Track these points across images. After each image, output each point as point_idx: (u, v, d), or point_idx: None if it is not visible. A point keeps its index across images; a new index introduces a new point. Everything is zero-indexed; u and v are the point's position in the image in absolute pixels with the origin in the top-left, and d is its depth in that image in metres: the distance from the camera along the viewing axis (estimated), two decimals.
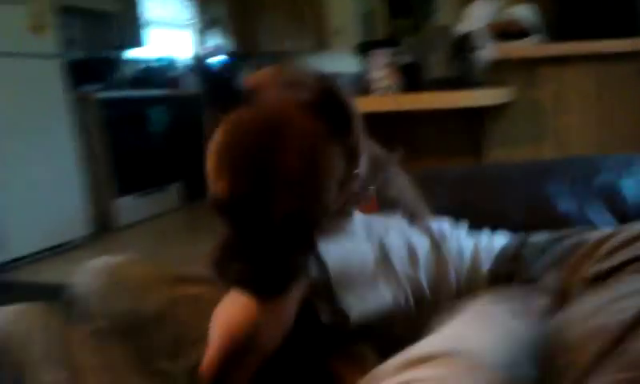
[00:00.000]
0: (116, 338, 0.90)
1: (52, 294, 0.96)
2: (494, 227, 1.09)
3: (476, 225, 1.15)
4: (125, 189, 4.76)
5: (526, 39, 2.42)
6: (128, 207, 4.78)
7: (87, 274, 0.97)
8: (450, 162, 2.59)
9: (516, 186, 1.28)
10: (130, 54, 5.81)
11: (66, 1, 4.51)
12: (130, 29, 5.51)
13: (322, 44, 7.47)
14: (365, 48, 2.88)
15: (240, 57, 7.39)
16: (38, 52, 3.93)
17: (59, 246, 4.03)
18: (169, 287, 0.95)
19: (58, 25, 4.13)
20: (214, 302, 0.81)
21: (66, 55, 4.26)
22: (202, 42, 7.13)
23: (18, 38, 3.80)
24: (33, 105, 3.92)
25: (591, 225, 1.17)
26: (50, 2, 4.03)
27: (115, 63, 5.49)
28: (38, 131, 3.95)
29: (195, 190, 5.52)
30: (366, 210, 0.88)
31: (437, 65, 2.26)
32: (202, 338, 0.80)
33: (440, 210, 1.30)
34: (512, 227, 1.10)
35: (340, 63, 7.01)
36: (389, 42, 2.84)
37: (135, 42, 5.63)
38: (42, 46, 3.97)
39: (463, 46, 2.22)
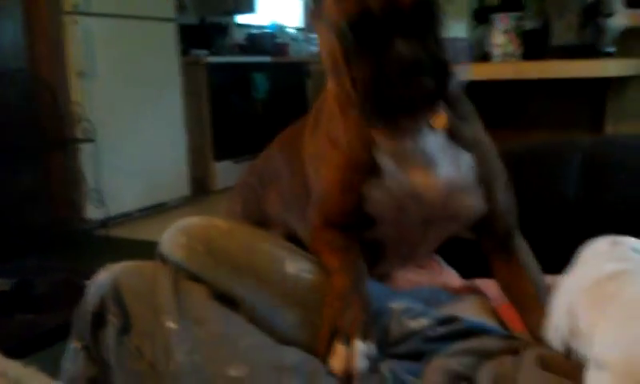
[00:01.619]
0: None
1: (147, 252, 0.98)
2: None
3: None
4: (223, 153, 4.87)
5: None
6: (225, 172, 4.89)
7: (182, 235, 0.95)
8: (564, 136, 2.44)
9: None
10: (240, 19, 5.90)
11: None
12: None
13: None
14: (482, 13, 2.75)
15: None
16: (156, 15, 4.08)
17: (157, 205, 4.17)
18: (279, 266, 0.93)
19: None
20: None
21: (180, 19, 4.39)
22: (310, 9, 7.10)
23: (138, 0, 3.94)
24: (149, 66, 4.08)
25: None
26: None
27: (225, 28, 5.59)
28: (151, 92, 4.11)
29: None
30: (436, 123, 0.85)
31: (564, 31, 2.11)
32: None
33: (570, 185, 1.21)
34: None
35: (450, 28, 6.84)
36: (509, 5, 2.70)
37: (246, 7, 5.70)
38: (161, 9, 4.12)
39: (595, 11, 2.06)
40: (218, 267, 0.91)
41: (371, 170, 0.87)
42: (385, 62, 0.73)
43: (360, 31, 0.76)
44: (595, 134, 2.36)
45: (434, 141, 0.85)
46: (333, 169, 0.90)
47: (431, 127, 0.84)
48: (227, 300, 0.89)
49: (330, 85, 0.92)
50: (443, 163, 0.85)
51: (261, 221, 1.13)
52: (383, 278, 1.10)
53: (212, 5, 5.48)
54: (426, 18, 0.76)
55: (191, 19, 5.25)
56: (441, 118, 0.84)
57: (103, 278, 0.89)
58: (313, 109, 1.03)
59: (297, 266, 0.92)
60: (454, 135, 0.86)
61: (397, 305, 0.90)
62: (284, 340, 0.86)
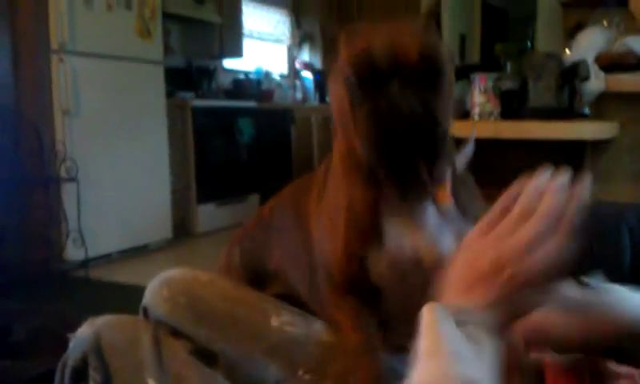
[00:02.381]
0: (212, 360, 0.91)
1: (127, 295, 0.99)
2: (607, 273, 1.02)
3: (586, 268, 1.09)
4: (206, 196, 4.87)
5: (638, 72, 2.30)
6: (208, 215, 4.89)
7: (164, 287, 0.96)
8: None
9: (632, 227, 1.21)
10: (227, 64, 5.98)
11: (170, 8, 4.69)
12: (229, 39, 5.67)
13: None
14: (461, 71, 2.83)
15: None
16: (143, 57, 4.12)
17: (138, 247, 4.14)
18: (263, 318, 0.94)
19: (162, 31, 4.34)
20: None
21: (166, 61, 4.44)
22: (295, 56, 7.25)
23: (127, 42, 3.99)
24: (134, 106, 4.10)
25: None
26: (158, 8, 4.23)
27: (212, 72, 5.66)
28: (136, 133, 4.11)
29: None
30: (440, 199, 0.86)
31: (542, 93, 2.18)
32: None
33: None
34: (627, 274, 1.03)
35: None
36: (489, 65, 2.78)
37: (234, 52, 5.79)
38: (148, 51, 4.16)
39: (572, 75, 2.14)
40: (200, 320, 0.92)
41: (375, 234, 0.86)
42: (381, 111, 0.74)
43: (366, 83, 0.77)
44: None
45: (437, 212, 0.85)
46: (337, 234, 0.90)
47: (436, 203, 0.85)
48: (207, 355, 0.90)
49: (337, 144, 0.92)
50: (445, 234, 0.85)
51: (259, 274, 1.12)
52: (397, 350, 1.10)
53: (199, 48, 5.55)
54: (431, 75, 0.76)
55: (178, 62, 5.31)
56: (445, 196, 0.85)
57: (85, 332, 0.90)
58: (322, 165, 1.02)
59: (281, 319, 0.93)
60: (457, 206, 0.87)
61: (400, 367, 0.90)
62: None
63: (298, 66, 7.20)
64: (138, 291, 0.98)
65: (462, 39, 7.73)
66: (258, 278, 1.10)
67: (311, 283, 0.98)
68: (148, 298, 0.96)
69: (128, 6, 3.96)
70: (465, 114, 2.38)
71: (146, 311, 0.95)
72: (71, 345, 0.90)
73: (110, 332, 0.89)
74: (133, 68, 4.05)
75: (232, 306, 0.94)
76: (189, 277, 0.98)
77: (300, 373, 0.87)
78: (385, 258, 0.86)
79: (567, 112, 2.21)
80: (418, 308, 0.92)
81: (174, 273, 0.99)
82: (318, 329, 0.93)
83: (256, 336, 0.91)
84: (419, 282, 0.86)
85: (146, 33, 4.11)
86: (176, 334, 0.91)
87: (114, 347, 0.87)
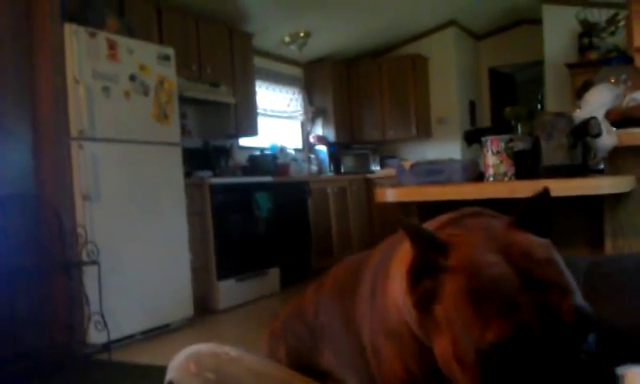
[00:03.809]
0: None
1: (150, 376, 0.98)
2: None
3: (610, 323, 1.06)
4: (226, 272, 4.87)
5: None
6: (228, 290, 4.87)
7: (191, 363, 0.95)
8: (565, 252, 2.47)
9: None
10: (242, 141, 6.10)
11: (185, 92, 4.83)
12: (244, 119, 5.81)
13: (424, 132, 7.56)
14: (473, 135, 2.86)
15: (344, 145, 7.57)
16: (161, 140, 4.22)
17: (160, 327, 4.12)
18: None
19: (179, 114, 4.45)
20: None
21: (184, 143, 4.54)
22: (309, 131, 7.39)
23: (144, 126, 4.09)
24: (153, 188, 4.16)
25: None
26: (174, 93, 4.35)
27: (228, 150, 5.77)
28: (156, 214, 4.16)
29: (293, 274, 5.57)
30: None
31: (554, 151, 2.19)
32: None
33: None
34: None
35: (442, 150, 7.08)
36: (500, 128, 2.81)
37: (249, 131, 5.92)
38: (166, 134, 4.26)
39: (583, 132, 2.15)
40: None
41: None
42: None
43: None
44: (595, 250, 2.39)
45: None
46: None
47: None
48: None
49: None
50: None
51: (312, 373, 1.08)
52: None
53: (215, 129, 5.68)
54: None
55: (195, 142, 5.43)
56: None
57: None
58: (372, 263, 0.96)
59: None
60: None
61: None
62: None
63: (312, 139, 7.33)
64: (162, 372, 0.97)
65: (472, 105, 7.86)
66: (307, 375, 1.07)
67: None
68: (174, 374, 0.95)
69: (145, 93, 4.08)
70: (479, 176, 2.39)
71: None
72: None
73: None
74: (151, 151, 4.14)
75: (259, 381, 0.93)
76: (216, 351, 0.97)
77: None
78: None
79: (581, 168, 2.21)
80: None
81: (200, 347, 0.98)
82: None
83: None
84: None
85: (162, 117, 4.22)
86: None
87: None
